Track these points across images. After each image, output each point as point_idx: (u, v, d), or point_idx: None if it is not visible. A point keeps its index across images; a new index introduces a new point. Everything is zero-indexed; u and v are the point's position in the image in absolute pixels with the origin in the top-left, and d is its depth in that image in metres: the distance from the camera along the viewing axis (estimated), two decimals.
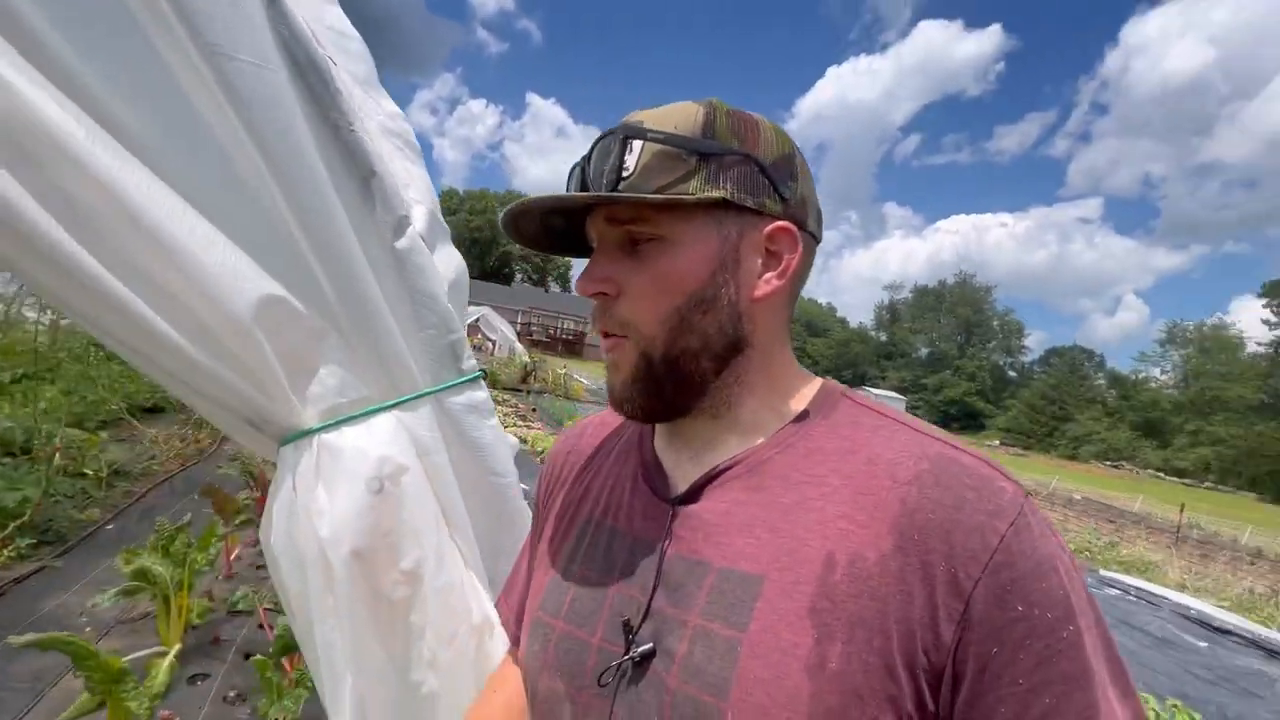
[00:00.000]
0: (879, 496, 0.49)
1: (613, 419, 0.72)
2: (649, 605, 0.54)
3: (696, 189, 0.52)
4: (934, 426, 0.55)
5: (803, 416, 0.57)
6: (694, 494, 0.57)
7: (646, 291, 0.54)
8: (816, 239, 0.59)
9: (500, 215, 0.57)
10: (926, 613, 0.45)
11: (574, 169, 0.58)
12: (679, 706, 0.49)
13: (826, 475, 0.52)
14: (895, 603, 0.46)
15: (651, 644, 0.52)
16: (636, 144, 0.52)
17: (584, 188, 0.56)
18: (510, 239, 0.60)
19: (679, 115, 0.54)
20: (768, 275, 0.55)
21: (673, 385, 0.56)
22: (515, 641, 0.75)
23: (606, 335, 0.57)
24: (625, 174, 0.52)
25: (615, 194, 0.52)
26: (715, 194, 0.52)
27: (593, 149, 0.55)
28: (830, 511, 0.50)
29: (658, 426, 0.65)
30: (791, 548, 0.50)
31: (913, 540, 0.47)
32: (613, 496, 0.64)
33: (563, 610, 0.60)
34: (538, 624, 0.63)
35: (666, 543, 0.56)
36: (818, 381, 0.60)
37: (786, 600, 0.48)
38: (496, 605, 0.81)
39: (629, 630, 0.54)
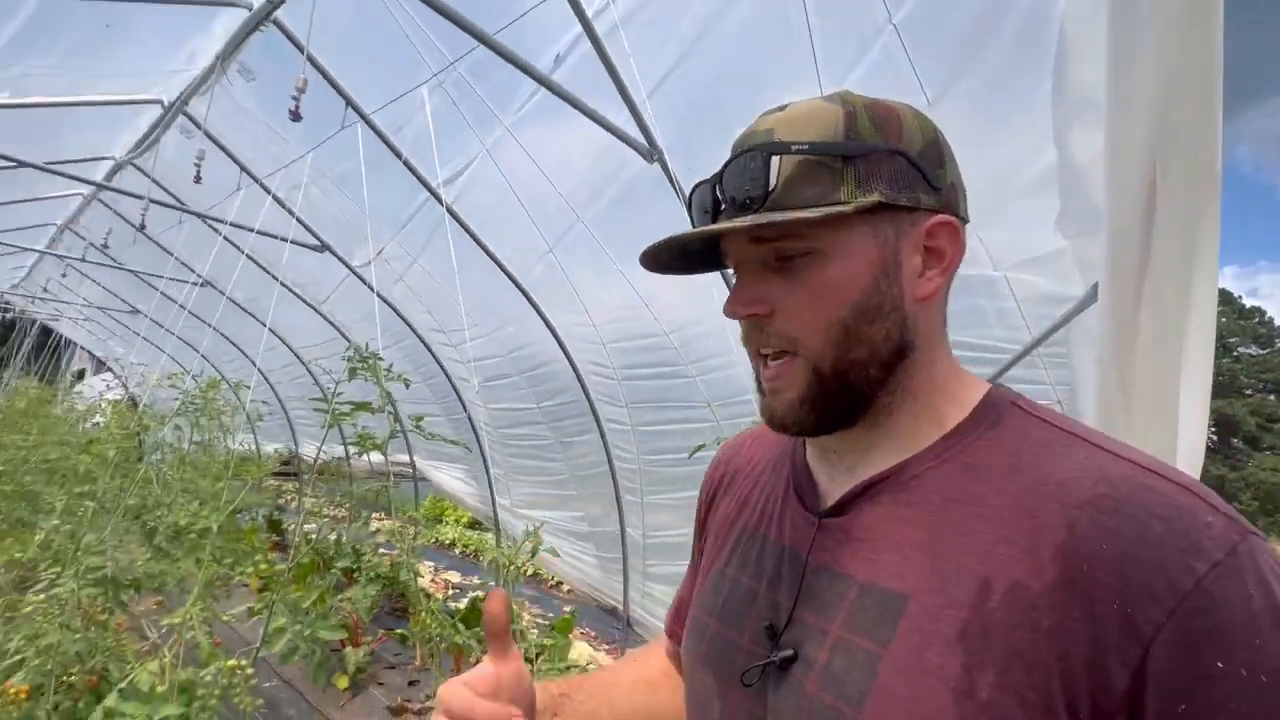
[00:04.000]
0: (1044, 520, 0.45)
1: (768, 431, 0.70)
2: (792, 613, 0.55)
3: (849, 196, 0.50)
4: (1127, 444, 0.48)
5: (963, 427, 0.53)
6: (842, 507, 0.56)
7: (805, 306, 0.53)
8: (966, 221, 0.56)
9: (642, 252, 0.56)
10: (1094, 655, 0.41)
11: (699, 187, 0.56)
12: (816, 713, 0.50)
13: (986, 495, 0.48)
14: (1058, 639, 0.42)
15: (793, 650, 0.53)
16: (776, 159, 0.50)
17: (716, 206, 0.54)
18: (648, 270, 0.59)
19: (817, 119, 0.51)
20: (929, 273, 0.53)
21: (843, 399, 0.54)
22: (669, 634, 0.81)
23: (765, 357, 0.56)
24: (770, 190, 0.50)
25: (774, 217, 0.50)
26: (870, 198, 0.50)
27: (725, 168, 0.53)
28: (989, 535, 0.47)
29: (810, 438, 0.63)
30: (943, 569, 0.48)
31: (1081, 572, 0.42)
32: (767, 507, 0.65)
33: (717, 611, 0.63)
34: (696, 621, 0.66)
35: (811, 554, 0.56)
36: (984, 387, 0.56)
37: (934, 622, 0.46)
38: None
39: (773, 635, 0.56)
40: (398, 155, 3.01)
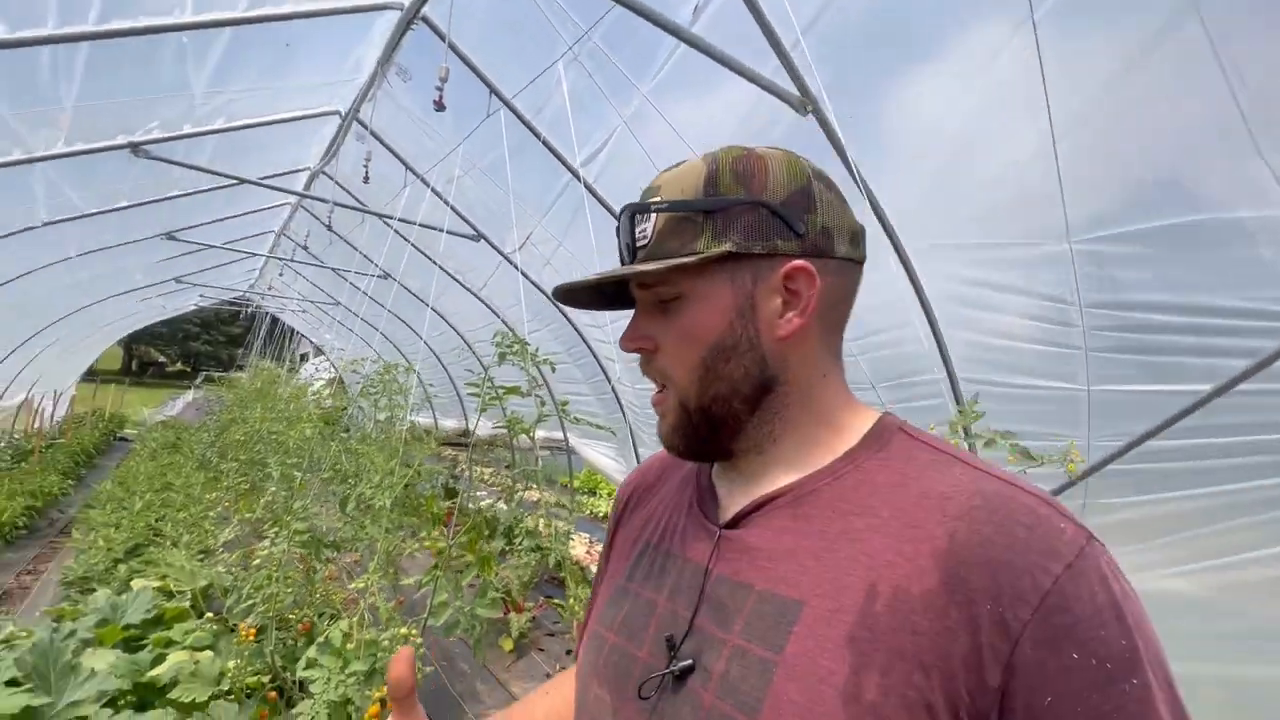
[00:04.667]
0: (927, 530, 0.48)
1: None
2: (691, 623, 0.56)
3: (704, 246, 0.55)
4: (996, 464, 0.52)
5: (855, 450, 0.57)
6: (742, 519, 0.58)
7: (676, 345, 0.58)
8: (856, 260, 0.59)
9: (555, 289, 0.62)
10: (971, 653, 0.43)
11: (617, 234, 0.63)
12: None
13: (876, 507, 0.52)
14: (938, 640, 0.44)
15: (691, 660, 0.54)
16: (649, 216, 0.57)
17: (621, 254, 0.61)
18: (567, 305, 0.66)
19: (686, 178, 0.57)
20: (789, 315, 0.56)
21: (708, 429, 0.58)
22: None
23: (659, 386, 0.61)
24: (642, 243, 0.57)
25: (624, 269, 0.57)
26: (719, 249, 0.54)
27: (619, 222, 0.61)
28: (876, 543, 0.49)
29: None
30: (834, 576, 0.50)
31: (958, 577, 0.45)
32: (670, 522, 0.66)
33: (616, 624, 0.63)
34: (594, 636, 0.66)
35: (712, 565, 0.57)
36: (874, 414, 0.60)
37: (825, 627, 0.48)
38: None
39: (672, 646, 0.56)
40: (537, 136, 3.00)
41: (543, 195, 3.58)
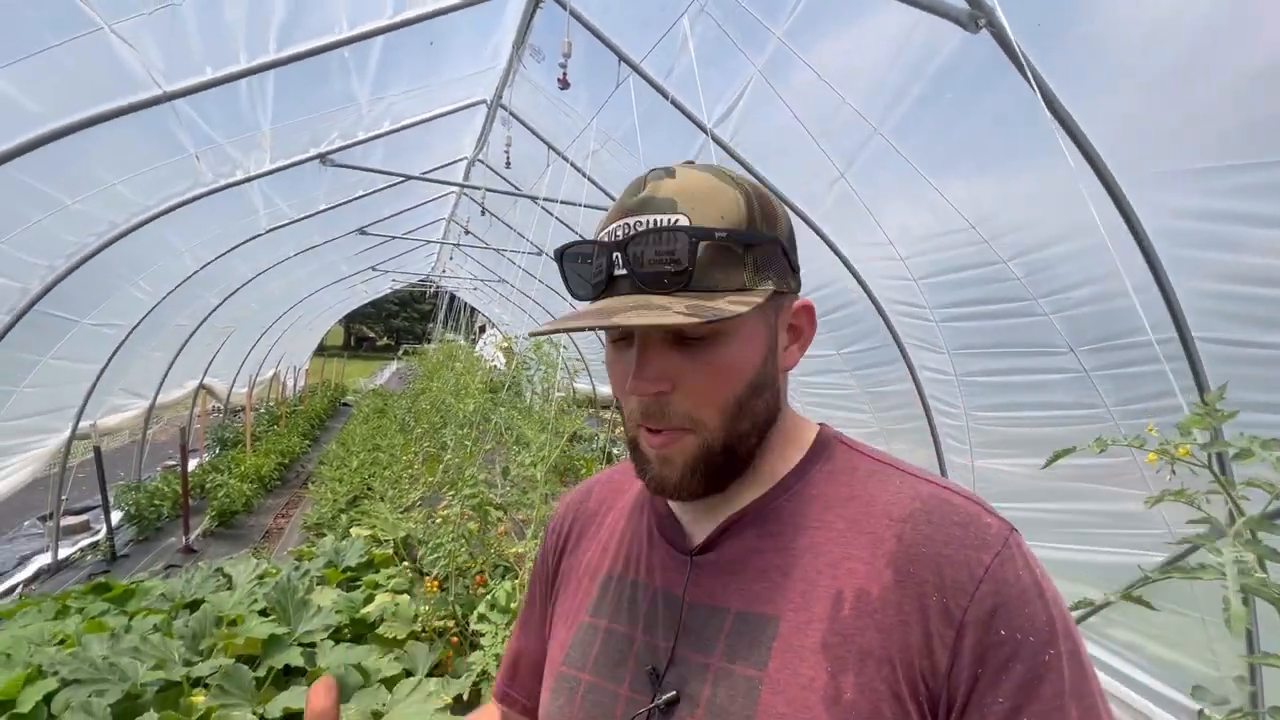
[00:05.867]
0: (878, 534, 0.52)
1: (620, 476, 0.73)
2: (672, 653, 0.56)
3: (750, 282, 0.52)
4: (924, 468, 0.57)
5: (805, 464, 0.59)
6: (710, 544, 0.59)
7: (706, 385, 0.54)
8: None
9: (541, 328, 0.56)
10: (923, 641, 0.48)
11: (578, 246, 0.56)
12: None
13: (831, 520, 0.55)
14: (897, 634, 0.48)
15: (675, 691, 0.54)
16: (679, 237, 0.50)
17: (610, 272, 0.53)
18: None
19: (722, 201, 0.52)
20: (792, 347, 0.59)
21: (728, 467, 0.56)
22: (501, 698, 0.76)
23: (659, 431, 0.55)
24: (674, 269, 0.50)
25: (708, 310, 0.49)
26: (768, 286, 0.54)
27: (631, 237, 0.51)
28: (837, 553, 0.53)
29: None
30: (803, 589, 0.52)
31: (909, 573, 0.50)
32: (631, 551, 0.65)
33: (589, 663, 0.61)
34: (563, 678, 0.62)
35: (686, 592, 0.58)
36: (815, 427, 0.62)
37: (801, 637, 0.51)
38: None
39: (655, 678, 0.56)
40: (665, 96, 2.87)
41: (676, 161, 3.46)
